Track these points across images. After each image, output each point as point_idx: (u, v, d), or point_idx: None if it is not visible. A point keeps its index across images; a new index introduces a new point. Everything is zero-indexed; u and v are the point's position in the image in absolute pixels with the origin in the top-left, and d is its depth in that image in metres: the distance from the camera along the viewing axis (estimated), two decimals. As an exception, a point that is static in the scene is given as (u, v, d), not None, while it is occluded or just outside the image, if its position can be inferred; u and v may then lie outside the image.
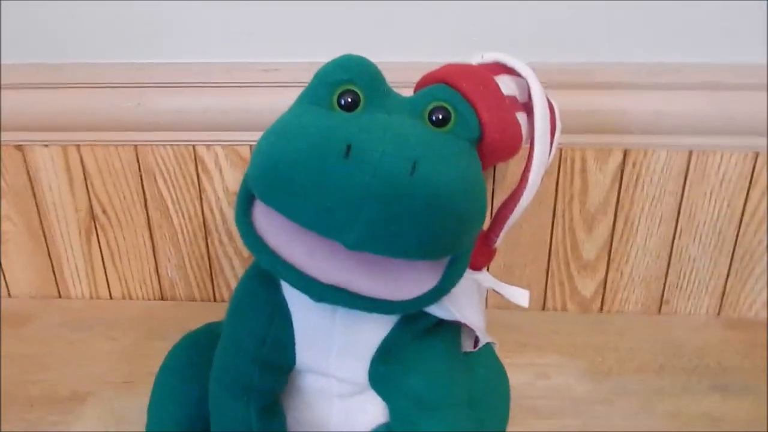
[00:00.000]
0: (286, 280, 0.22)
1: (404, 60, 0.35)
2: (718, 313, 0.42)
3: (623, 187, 0.39)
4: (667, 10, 0.36)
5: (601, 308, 0.43)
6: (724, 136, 0.37)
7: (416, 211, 0.19)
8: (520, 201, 0.25)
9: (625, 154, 0.39)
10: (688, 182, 0.39)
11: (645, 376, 0.36)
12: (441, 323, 0.25)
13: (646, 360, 0.38)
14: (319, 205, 0.20)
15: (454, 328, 0.26)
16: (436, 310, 0.24)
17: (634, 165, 0.39)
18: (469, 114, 0.23)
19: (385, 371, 0.25)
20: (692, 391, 0.35)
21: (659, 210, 0.40)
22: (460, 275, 0.23)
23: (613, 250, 0.41)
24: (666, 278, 0.42)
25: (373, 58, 0.23)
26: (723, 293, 0.42)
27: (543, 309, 0.43)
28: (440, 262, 0.22)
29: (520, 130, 0.24)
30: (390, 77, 0.24)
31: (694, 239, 0.41)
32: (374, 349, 0.25)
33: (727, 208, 0.40)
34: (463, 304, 0.25)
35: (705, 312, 0.43)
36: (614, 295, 0.43)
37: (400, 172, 0.19)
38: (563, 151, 0.39)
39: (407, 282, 0.22)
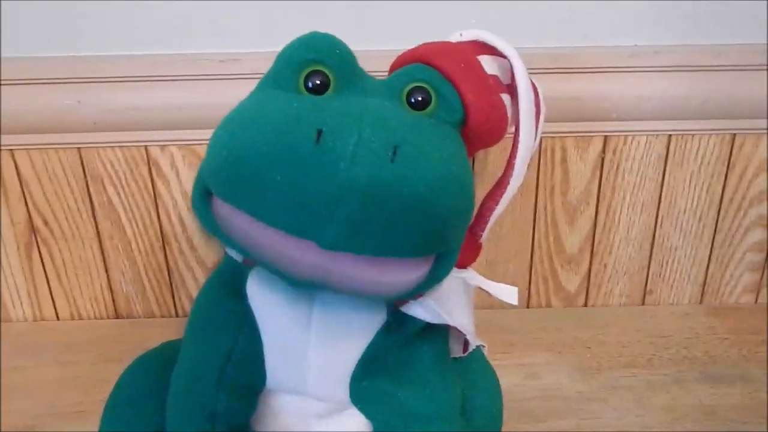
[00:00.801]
0: (261, 265, 0.20)
1: (376, 48, 0.33)
2: (701, 301, 0.42)
3: (604, 175, 0.39)
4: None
5: (586, 302, 0.42)
6: (702, 119, 0.37)
7: (400, 203, 0.18)
8: (507, 190, 0.24)
9: (605, 141, 0.38)
10: (667, 168, 0.39)
11: (635, 370, 0.36)
12: (428, 328, 0.23)
13: (635, 353, 0.37)
14: (289, 201, 0.17)
15: (442, 332, 0.24)
16: (423, 313, 0.23)
17: (614, 152, 0.38)
18: (451, 95, 0.21)
19: (369, 385, 0.23)
20: (683, 383, 0.35)
21: (640, 198, 0.39)
22: (448, 271, 0.21)
23: (596, 242, 0.40)
24: (649, 268, 0.41)
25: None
26: (704, 281, 0.42)
27: (528, 306, 0.42)
28: (426, 258, 0.20)
29: (507, 112, 0.23)
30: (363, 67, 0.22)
31: (675, 227, 0.40)
32: (356, 361, 0.23)
33: (706, 193, 0.39)
34: (451, 306, 0.24)
35: (687, 301, 0.42)
36: (598, 288, 0.42)
37: (379, 160, 0.17)
38: (543, 141, 0.37)
39: (393, 277, 0.20)
